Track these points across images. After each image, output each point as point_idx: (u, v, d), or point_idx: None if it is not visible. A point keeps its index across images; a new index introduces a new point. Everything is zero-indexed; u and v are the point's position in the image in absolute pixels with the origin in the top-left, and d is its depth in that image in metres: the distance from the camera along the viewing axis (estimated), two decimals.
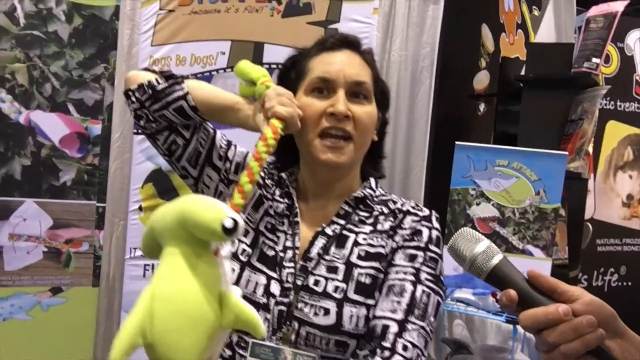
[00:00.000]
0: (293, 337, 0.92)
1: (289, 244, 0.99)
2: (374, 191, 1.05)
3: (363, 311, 0.92)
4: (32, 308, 2.18)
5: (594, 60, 1.90)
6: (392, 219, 1.01)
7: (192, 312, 0.64)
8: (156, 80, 1.02)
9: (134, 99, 1.02)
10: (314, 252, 0.97)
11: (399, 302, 0.91)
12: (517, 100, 2.17)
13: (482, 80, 2.67)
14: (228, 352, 0.95)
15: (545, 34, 2.55)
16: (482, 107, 2.73)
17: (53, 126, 2.22)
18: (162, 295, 0.64)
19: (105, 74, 2.29)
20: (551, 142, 2.02)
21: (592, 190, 2.61)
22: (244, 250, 0.98)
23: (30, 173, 2.19)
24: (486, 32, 2.71)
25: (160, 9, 2.26)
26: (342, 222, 1.01)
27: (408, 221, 1.00)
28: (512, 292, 0.65)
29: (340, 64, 0.99)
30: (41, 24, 2.19)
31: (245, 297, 0.74)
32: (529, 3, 2.90)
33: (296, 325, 0.92)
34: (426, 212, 1.02)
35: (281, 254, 0.98)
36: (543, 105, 2.08)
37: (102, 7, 2.30)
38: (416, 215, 1.01)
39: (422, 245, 0.97)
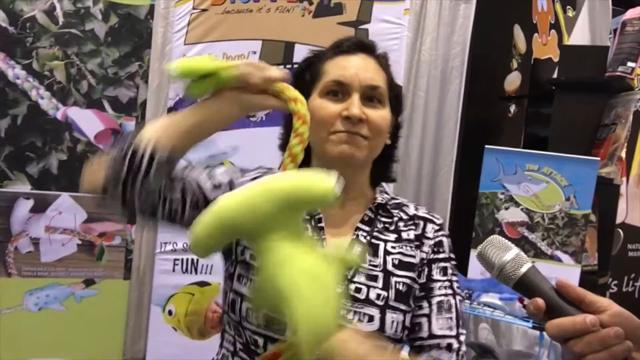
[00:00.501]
0: None
1: None
2: (388, 195, 1.07)
3: (401, 317, 0.95)
4: (66, 299, 2.24)
5: (629, 64, 1.86)
6: (413, 227, 1.03)
7: (332, 284, 0.70)
8: (115, 163, 0.83)
9: (115, 194, 0.84)
10: None
11: (451, 319, 0.97)
12: (549, 102, 2.14)
13: (513, 81, 2.64)
14: None
15: (580, 35, 2.50)
16: (512, 108, 2.70)
17: (89, 122, 2.27)
18: (307, 274, 0.68)
19: (139, 72, 2.33)
20: (583, 146, 1.99)
21: (625, 195, 2.57)
22: None
23: (66, 167, 2.25)
24: (518, 33, 2.67)
25: (194, 8, 2.30)
26: (367, 228, 1.02)
27: (430, 230, 1.04)
28: (540, 301, 0.65)
29: (355, 68, 0.98)
30: (79, 22, 2.25)
31: None
32: (563, 3, 2.85)
33: None
34: (440, 219, 1.06)
35: None
36: (575, 109, 2.05)
37: (137, 6, 2.34)
38: (434, 222, 1.05)
39: (447, 256, 1.02)
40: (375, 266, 0.98)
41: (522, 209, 1.79)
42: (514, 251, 0.69)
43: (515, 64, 2.66)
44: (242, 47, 2.28)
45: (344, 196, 0.99)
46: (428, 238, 1.02)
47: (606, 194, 2.02)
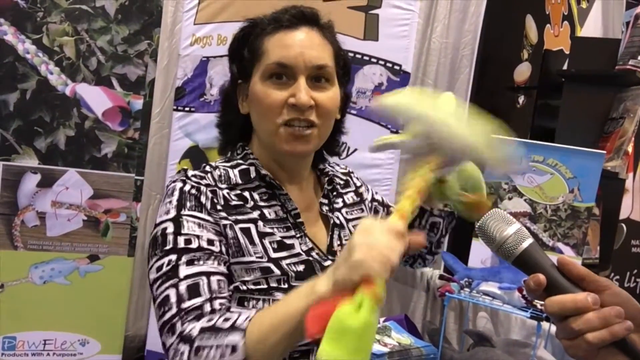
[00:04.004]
0: None
1: (304, 247, 0.92)
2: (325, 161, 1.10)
3: None
4: (71, 273, 2.27)
5: None
6: (348, 187, 1.09)
7: None
8: None
9: None
10: (336, 244, 0.98)
11: None
12: (558, 94, 2.13)
13: (523, 72, 2.63)
14: None
15: (592, 27, 2.48)
16: (521, 99, 2.68)
17: (97, 99, 2.28)
18: None
19: (148, 51, 2.33)
20: (590, 139, 1.98)
21: (631, 190, 2.55)
22: (278, 280, 0.87)
23: (73, 143, 2.26)
24: (530, 23, 2.65)
25: None
26: (326, 201, 1.01)
27: (355, 181, 1.13)
28: (541, 277, 0.63)
29: (299, 47, 0.89)
30: None
31: None
32: None
33: None
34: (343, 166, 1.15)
35: (309, 259, 0.91)
36: (584, 102, 2.04)
37: None
38: (349, 174, 1.13)
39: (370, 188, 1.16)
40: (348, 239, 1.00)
41: (525, 200, 1.79)
42: (515, 225, 0.67)
43: (525, 55, 2.65)
44: None
45: (300, 180, 0.99)
46: (358, 187, 1.11)
47: (611, 188, 2.02)
